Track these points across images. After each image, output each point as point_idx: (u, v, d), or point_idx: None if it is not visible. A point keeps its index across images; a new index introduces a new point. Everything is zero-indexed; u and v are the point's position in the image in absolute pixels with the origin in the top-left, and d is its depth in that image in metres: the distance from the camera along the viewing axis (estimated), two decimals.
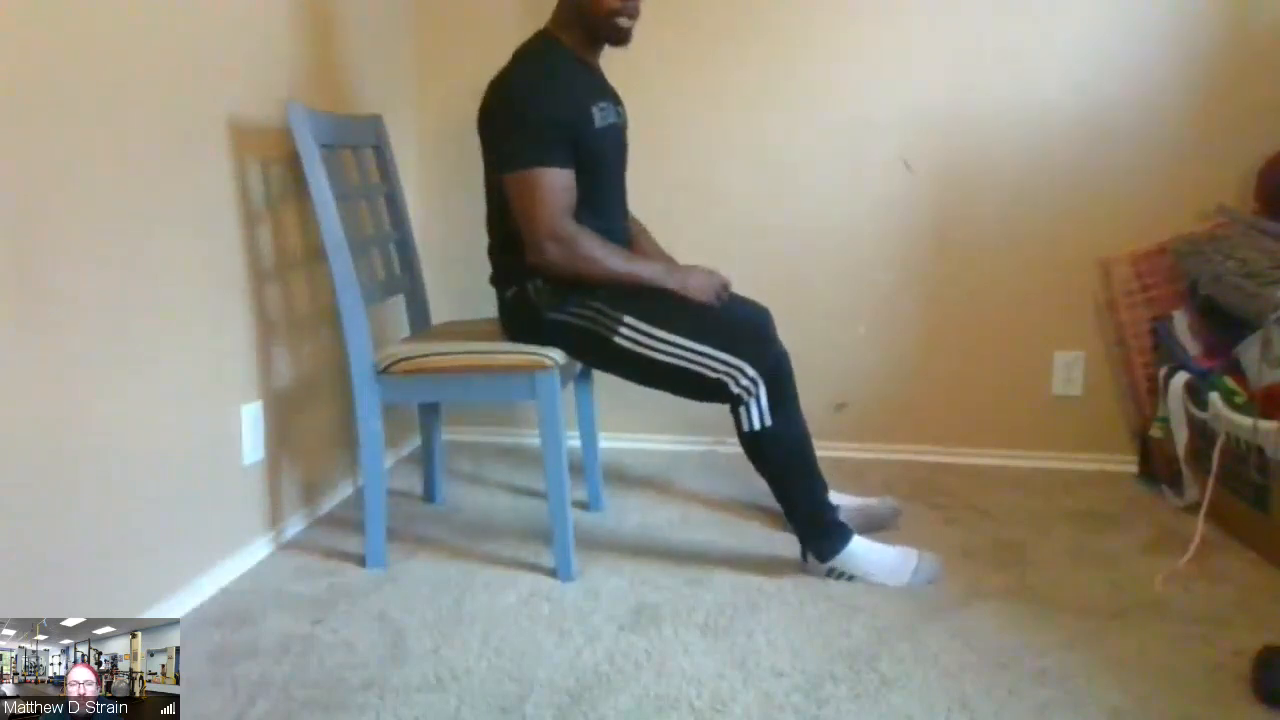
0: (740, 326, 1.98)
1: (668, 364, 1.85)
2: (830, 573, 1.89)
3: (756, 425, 1.84)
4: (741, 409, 1.84)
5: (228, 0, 1.88)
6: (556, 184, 1.85)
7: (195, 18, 1.77)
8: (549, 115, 1.85)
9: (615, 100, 2.06)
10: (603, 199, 1.98)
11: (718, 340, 1.84)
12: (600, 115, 1.93)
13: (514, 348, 1.92)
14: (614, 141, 2.03)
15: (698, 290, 1.94)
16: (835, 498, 1.98)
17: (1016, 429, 2.63)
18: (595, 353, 1.93)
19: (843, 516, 1.95)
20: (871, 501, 2.13)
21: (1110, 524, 2.19)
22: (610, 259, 1.90)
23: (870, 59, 2.56)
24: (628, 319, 1.86)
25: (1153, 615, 1.75)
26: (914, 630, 1.69)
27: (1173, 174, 2.46)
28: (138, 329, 1.65)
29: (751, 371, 1.82)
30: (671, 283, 1.92)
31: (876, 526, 2.08)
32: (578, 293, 1.91)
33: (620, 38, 1.95)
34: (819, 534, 1.90)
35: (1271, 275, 2.01)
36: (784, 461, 1.90)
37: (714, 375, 1.83)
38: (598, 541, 2.09)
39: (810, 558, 1.91)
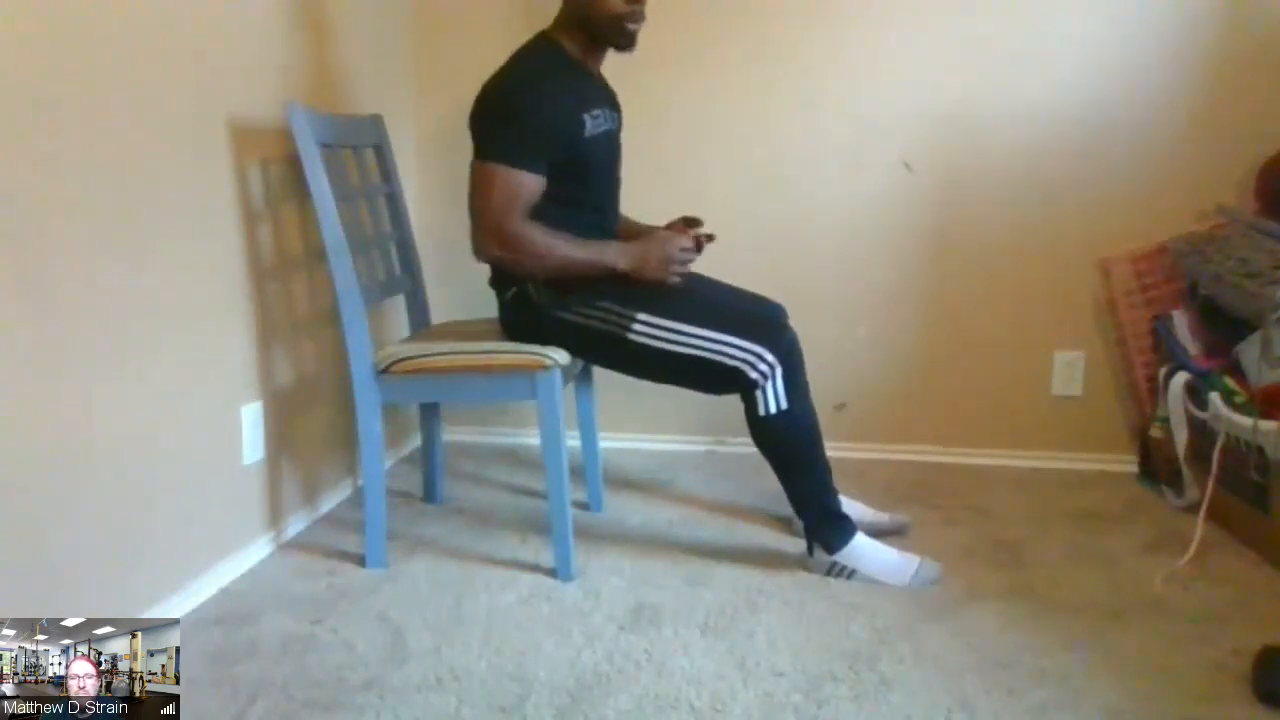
0: (754, 314, 1.99)
1: (684, 355, 1.84)
2: (832, 569, 1.89)
3: (773, 409, 1.84)
4: (758, 393, 1.84)
5: (228, 1, 1.88)
6: (516, 183, 1.82)
7: (195, 18, 1.77)
8: (536, 119, 1.83)
9: (613, 106, 2.06)
10: (594, 204, 1.98)
11: (733, 327, 1.84)
12: (592, 123, 1.91)
13: (514, 348, 1.92)
14: (606, 148, 2.01)
15: (655, 268, 1.88)
16: (846, 505, 1.98)
17: (1016, 429, 2.63)
18: (608, 351, 1.93)
19: None
20: (883, 519, 2.12)
21: (1110, 524, 2.19)
22: (556, 251, 1.86)
23: (870, 59, 2.56)
24: (641, 315, 1.86)
25: (1153, 615, 1.75)
26: (914, 630, 1.69)
27: (1173, 174, 2.46)
28: (138, 329, 1.65)
29: (769, 356, 1.82)
30: (624, 264, 1.88)
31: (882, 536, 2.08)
32: (582, 292, 1.90)
33: (626, 42, 1.93)
34: (827, 525, 1.90)
35: (1271, 275, 2.01)
36: (796, 447, 1.90)
37: (730, 363, 1.83)
38: (598, 541, 2.09)
39: (816, 550, 1.91)
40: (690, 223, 2.01)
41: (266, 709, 1.46)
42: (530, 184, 1.84)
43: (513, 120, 1.83)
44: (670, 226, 2.02)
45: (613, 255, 1.89)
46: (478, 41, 2.62)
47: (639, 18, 1.90)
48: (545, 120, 1.84)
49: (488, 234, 1.85)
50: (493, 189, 1.83)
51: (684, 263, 1.92)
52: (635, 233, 2.09)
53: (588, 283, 1.90)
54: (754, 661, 1.59)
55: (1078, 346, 2.59)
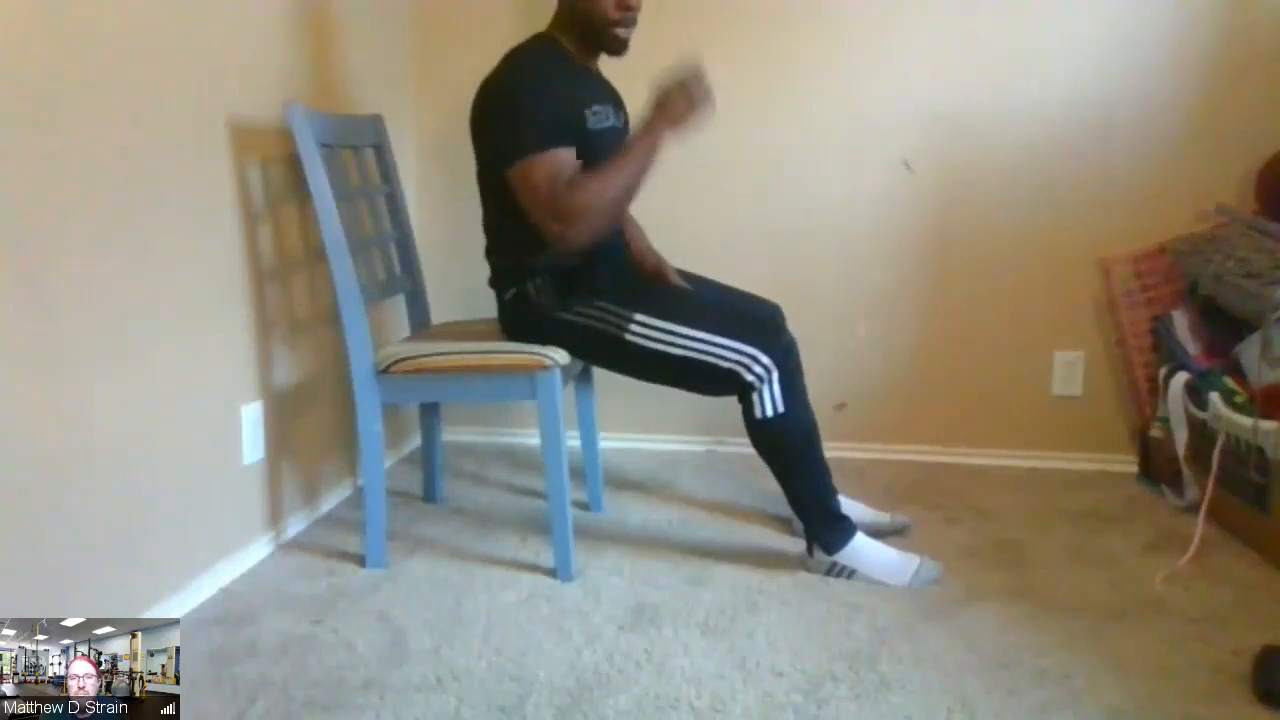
0: (751, 316, 1.99)
1: (680, 357, 1.84)
2: (832, 569, 1.89)
3: (769, 412, 1.84)
4: (754, 395, 1.84)
5: (228, 1, 1.88)
6: (554, 164, 1.79)
7: (195, 18, 1.78)
8: (543, 111, 1.82)
9: (616, 103, 2.05)
10: None
11: (729, 330, 1.84)
12: (594, 118, 1.91)
13: (514, 347, 1.92)
14: (611, 145, 2.00)
15: (680, 106, 1.80)
16: (846, 505, 1.98)
17: (1016, 429, 2.63)
18: (606, 351, 1.92)
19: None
20: (883, 519, 2.12)
21: (1110, 524, 2.19)
22: (611, 181, 1.80)
23: (870, 59, 2.56)
24: (638, 315, 1.86)
25: (1153, 615, 1.75)
26: (914, 630, 1.69)
27: (1173, 174, 2.46)
28: (138, 329, 1.65)
29: (765, 359, 1.82)
30: (664, 135, 1.81)
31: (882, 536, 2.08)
32: (582, 292, 1.90)
33: (617, 47, 1.93)
34: (827, 526, 1.90)
35: (1271, 275, 2.01)
36: (794, 450, 1.90)
37: (726, 365, 1.83)
38: (598, 541, 2.09)
39: (816, 551, 1.91)
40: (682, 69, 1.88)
41: (266, 709, 1.46)
42: (565, 157, 1.81)
43: (521, 116, 1.82)
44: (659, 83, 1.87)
45: (651, 141, 1.82)
46: (478, 41, 2.61)
47: (630, 23, 1.90)
48: (551, 112, 1.83)
49: (550, 222, 1.79)
50: (534, 182, 1.79)
51: (704, 89, 1.82)
52: (647, 245, 2.11)
53: (587, 283, 1.90)
54: (754, 661, 1.59)
55: (1078, 346, 2.59)
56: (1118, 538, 2.11)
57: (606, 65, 2.04)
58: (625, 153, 1.84)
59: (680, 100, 1.81)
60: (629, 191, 1.82)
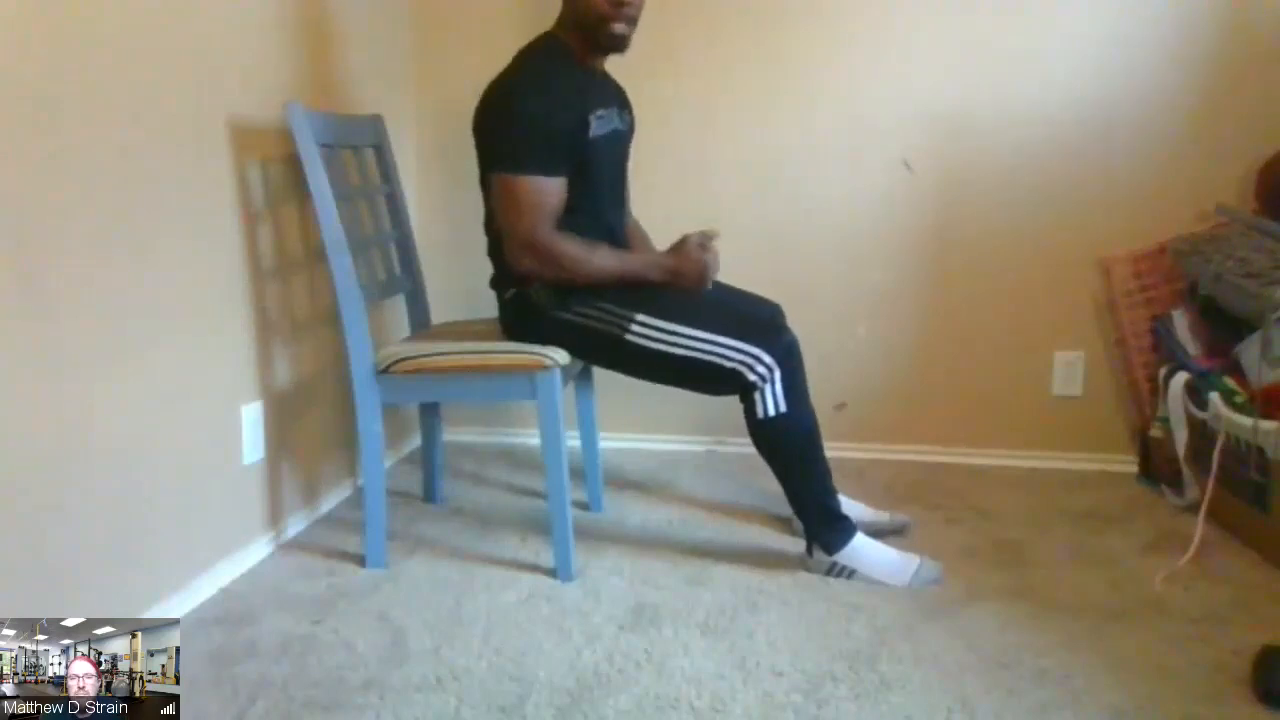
0: (752, 316, 1.99)
1: (682, 357, 1.84)
2: (832, 569, 1.89)
3: (771, 411, 1.84)
4: (756, 395, 1.84)
5: (228, 1, 1.88)
6: (540, 191, 1.83)
7: (195, 18, 1.78)
8: (543, 121, 1.83)
9: (620, 105, 2.05)
10: (598, 205, 1.97)
11: (731, 329, 1.84)
12: (597, 123, 1.91)
13: (515, 347, 1.92)
14: (612, 148, 2.01)
15: (691, 279, 1.92)
16: (846, 505, 1.98)
17: (1016, 429, 2.63)
18: (606, 352, 1.92)
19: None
20: (883, 519, 2.12)
21: (1110, 524, 2.19)
22: (591, 262, 1.88)
23: (870, 59, 2.56)
24: (639, 316, 1.86)
25: (1153, 615, 1.75)
26: (914, 630, 1.69)
27: (1173, 174, 2.46)
28: (137, 329, 1.65)
29: (767, 358, 1.82)
30: (657, 276, 1.92)
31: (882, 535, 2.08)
32: (582, 292, 1.90)
33: (615, 45, 1.92)
34: (827, 526, 1.90)
35: (1271, 275, 2.01)
36: (795, 450, 1.90)
37: (729, 365, 1.83)
38: (598, 541, 2.09)
39: (816, 551, 1.91)
40: (706, 236, 1.98)
41: (266, 709, 1.46)
42: (554, 188, 1.85)
43: (520, 125, 1.83)
44: (686, 243, 1.96)
45: (644, 269, 1.92)
46: (478, 41, 2.62)
47: (624, 19, 1.89)
48: (553, 123, 1.84)
49: (521, 248, 1.86)
50: (519, 203, 1.83)
51: (715, 269, 1.95)
52: (647, 248, 2.11)
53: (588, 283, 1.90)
54: (754, 661, 1.59)
55: (1078, 346, 2.59)
56: (1118, 538, 2.11)
57: (610, 62, 2.04)
58: (627, 260, 1.94)
59: (695, 278, 1.91)
60: (596, 281, 1.89)
